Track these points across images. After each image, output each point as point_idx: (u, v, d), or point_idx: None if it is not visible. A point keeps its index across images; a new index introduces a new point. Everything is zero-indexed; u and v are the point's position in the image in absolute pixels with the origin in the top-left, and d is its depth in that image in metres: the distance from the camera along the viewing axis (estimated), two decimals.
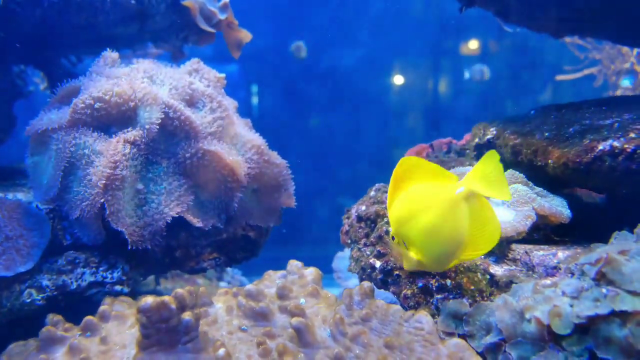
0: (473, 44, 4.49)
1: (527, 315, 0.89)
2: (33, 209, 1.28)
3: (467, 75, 4.20)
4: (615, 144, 1.04)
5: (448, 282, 1.06)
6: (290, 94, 4.52)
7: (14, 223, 1.23)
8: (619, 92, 3.42)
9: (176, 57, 2.05)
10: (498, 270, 1.07)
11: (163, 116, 1.29)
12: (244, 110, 1.69)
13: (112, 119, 1.32)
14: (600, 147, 1.06)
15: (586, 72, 3.44)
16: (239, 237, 1.53)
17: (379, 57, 4.61)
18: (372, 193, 1.55)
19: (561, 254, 1.05)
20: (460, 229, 0.89)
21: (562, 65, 3.67)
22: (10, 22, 1.53)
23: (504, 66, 4.40)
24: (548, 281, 0.96)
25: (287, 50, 3.77)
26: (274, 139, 1.58)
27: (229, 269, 2.64)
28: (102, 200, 1.20)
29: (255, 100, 4.57)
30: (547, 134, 1.23)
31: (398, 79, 4.63)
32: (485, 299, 1.03)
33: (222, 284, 2.54)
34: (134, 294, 1.32)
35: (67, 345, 1.00)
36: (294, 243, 3.37)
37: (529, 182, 1.21)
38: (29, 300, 1.21)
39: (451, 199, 0.89)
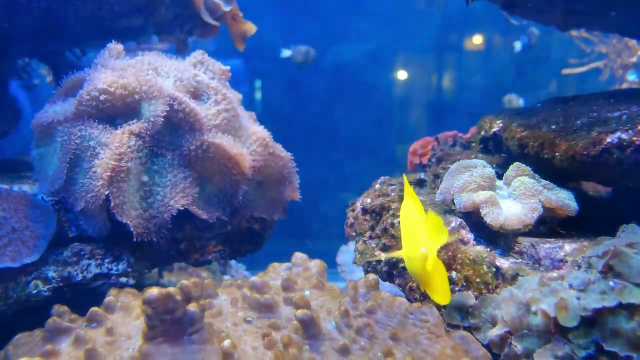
0: (477, 39, 4.46)
1: (534, 308, 0.89)
2: (39, 201, 1.29)
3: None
4: (624, 136, 1.03)
5: (454, 274, 1.06)
6: (295, 89, 4.51)
7: (20, 215, 1.23)
8: (625, 86, 3.39)
9: (181, 50, 2.04)
10: (504, 263, 1.07)
11: (168, 109, 1.29)
12: (248, 105, 1.69)
13: (117, 111, 1.31)
14: (609, 139, 1.05)
15: (592, 66, 3.41)
16: (244, 229, 1.53)
17: (384, 52, 4.59)
18: (378, 186, 1.54)
19: (568, 247, 1.04)
20: (421, 271, 0.96)
21: (567, 60, 3.64)
22: (15, 14, 1.53)
23: (509, 61, 4.38)
24: (555, 274, 0.95)
25: (291, 44, 3.72)
26: (278, 133, 1.58)
27: (233, 262, 2.65)
28: (107, 193, 1.20)
29: (258, 94, 4.56)
30: (554, 126, 1.22)
31: (402, 74, 4.62)
32: (492, 291, 1.02)
33: (226, 277, 2.54)
34: (139, 287, 1.32)
35: (73, 336, 1.00)
36: (297, 237, 3.37)
37: (536, 175, 1.20)
38: (35, 292, 1.21)
39: (418, 252, 0.97)
